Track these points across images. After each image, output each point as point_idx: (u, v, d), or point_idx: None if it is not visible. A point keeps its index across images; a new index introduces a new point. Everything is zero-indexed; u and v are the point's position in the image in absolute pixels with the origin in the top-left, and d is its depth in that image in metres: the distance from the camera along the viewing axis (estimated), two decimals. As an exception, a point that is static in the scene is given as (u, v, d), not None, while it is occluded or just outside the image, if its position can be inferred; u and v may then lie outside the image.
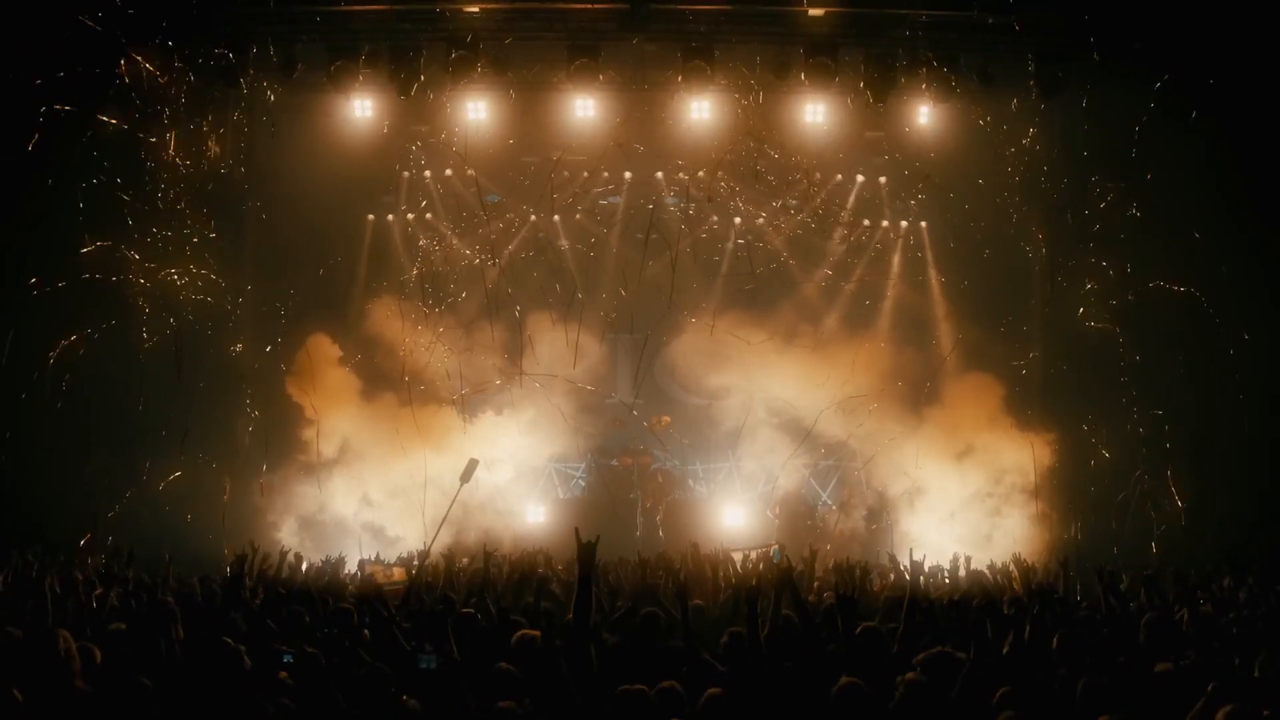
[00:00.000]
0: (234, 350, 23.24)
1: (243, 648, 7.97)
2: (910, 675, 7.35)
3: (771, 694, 7.54)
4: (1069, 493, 22.34)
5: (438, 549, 15.24)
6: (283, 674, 6.79)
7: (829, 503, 26.08)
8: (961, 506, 22.64)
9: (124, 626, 9.38)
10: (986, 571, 15.35)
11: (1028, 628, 8.69)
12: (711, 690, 7.28)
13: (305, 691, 7.00)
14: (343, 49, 21.31)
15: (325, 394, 23.05)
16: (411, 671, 7.36)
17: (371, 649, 7.98)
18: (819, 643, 8.67)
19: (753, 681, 7.67)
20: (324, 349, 23.47)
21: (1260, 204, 19.60)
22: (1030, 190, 24.12)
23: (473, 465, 10.20)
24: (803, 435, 24.27)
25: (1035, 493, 22.04)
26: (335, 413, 23.19)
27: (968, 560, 15.92)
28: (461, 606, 10.44)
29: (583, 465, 25.76)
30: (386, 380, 23.68)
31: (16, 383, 19.78)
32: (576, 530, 8.25)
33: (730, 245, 26.98)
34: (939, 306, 25.84)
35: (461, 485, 10.33)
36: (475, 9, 20.73)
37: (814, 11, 20.71)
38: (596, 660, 7.71)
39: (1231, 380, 20.58)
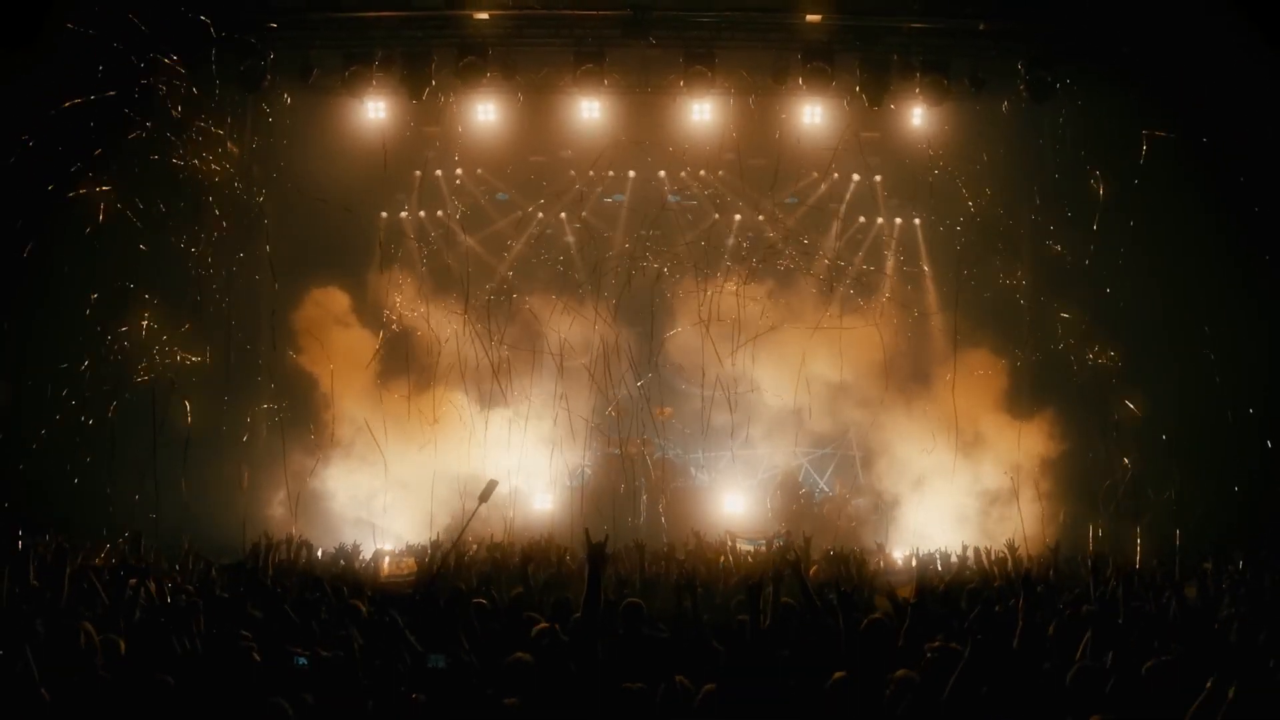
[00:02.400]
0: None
1: (255, 645, 7.91)
2: (901, 672, 7.26)
3: (769, 687, 7.45)
4: (1059, 481, 22.24)
5: (446, 537, 15.20)
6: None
7: (826, 490, 26.08)
8: (954, 494, 22.58)
9: (146, 618, 9.29)
10: (978, 559, 15.31)
11: (1020, 622, 8.61)
12: (708, 686, 7.20)
13: (319, 689, 6.94)
14: (357, 55, 21.33)
15: (336, 370, 23.04)
16: (421, 668, 7.29)
17: (381, 646, 7.90)
18: (820, 633, 8.59)
19: (750, 675, 7.58)
20: (336, 303, 23.49)
21: (1241, 204, 19.56)
22: (1020, 189, 24.27)
23: (492, 486, 10.03)
24: (801, 424, 24.33)
25: (1026, 481, 21.98)
26: (348, 399, 23.14)
27: (964, 548, 15.91)
28: (471, 597, 10.36)
29: (588, 454, 25.67)
30: (398, 370, 23.61)
31: (46, 387, 19.74)
32: (586, 531, 8.17)
33: (731, 240, 26.93)
34: (932, 300, 25.84)
35: (480, 504, 10.19)
36: (485, 15, 20.74)
37: (811, 18, 20.71)
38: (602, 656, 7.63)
39: (1215, 375, 20.51)
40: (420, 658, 7.43)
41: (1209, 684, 6.47)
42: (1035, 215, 24.39)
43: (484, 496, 10.10)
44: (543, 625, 8.59)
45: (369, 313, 24.27)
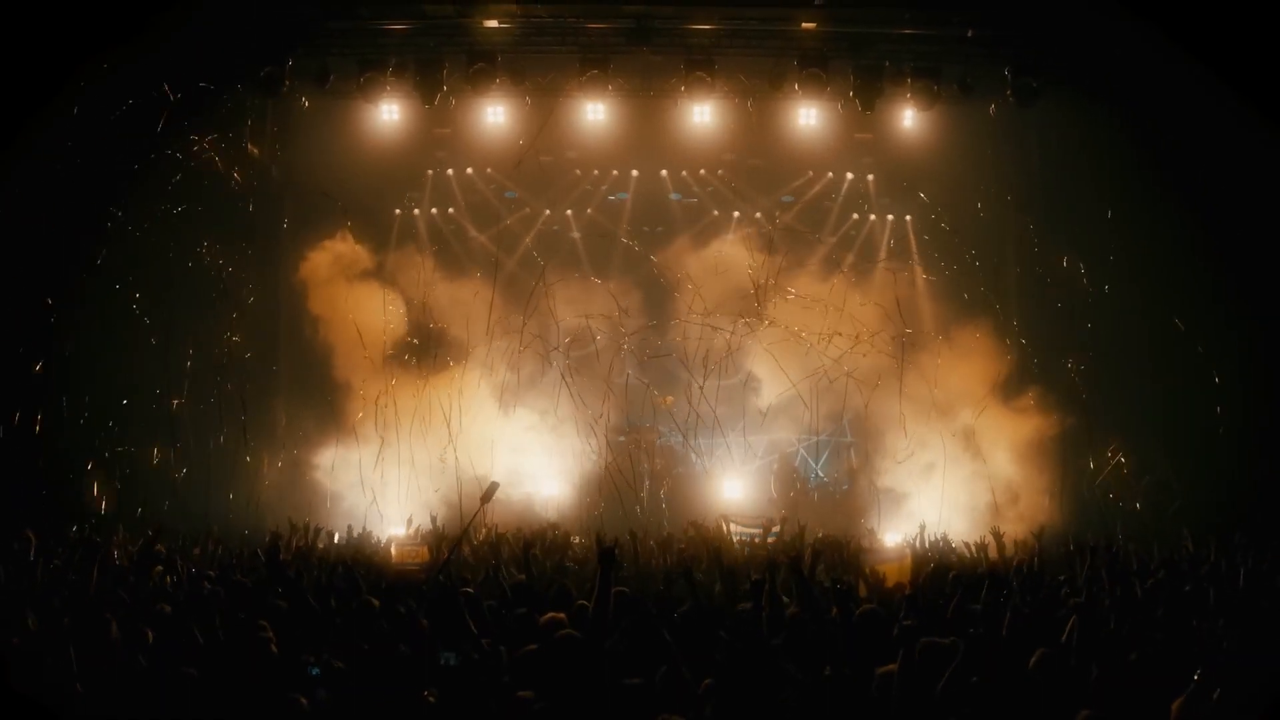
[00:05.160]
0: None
1: (273, 637, 7.88)
2: (890, 666, 7.20)
3: (769, 678, 7.39)
4: (1046, 468, 22.19)
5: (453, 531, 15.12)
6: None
7: (821, 475, 26.02)
8: (944, 481, 22.45)
9: (169, 609, 9.22)
10: (964, 545, 15.25)
11: (1008, 614, 8.55)
12: (708, 680, 7.16)
13: (333, 687, 6.90)
14: (372, 61, 21.46)
15: (351, 346, 23.01)
16: (432, 665, 7.23)
17: (394, 643, 7.84)
18: (817, 625, 8.53)
19: (752, 665, 7.52)
20: (350, 255, 23.52)
21: (1212, 206, 19.63)
22: (1007, 189, 24.39)
23: (493, 488, 10.01)
24: (800, 412, 24.24)
25: (1015, 466, 21.95)
26: (359, 378, 23.04)
27: (942, 536, 15.83)
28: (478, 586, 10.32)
29: (593, 441, 25.57)
30: (408, 354, 23.62)
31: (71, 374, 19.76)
32: (598, 536, 8.13)
33: (730, 235, 26.87)
34: (922, 293, 25.77)
35: (482, 505, 10.17)
36: (494, 24, 20.81)
37: (806, 26, 20.78)
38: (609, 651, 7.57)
39: (1197, 367, 20.58)
40: (432, 654, 7.37)
41: (1195, 678, 6.43)
42: (1021, 225, 24.50)
43: (485, 498, 10.07)
44: (550, 616, 8.52)
45: (385, 279, 24.15)
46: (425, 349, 23.73)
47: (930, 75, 21.50)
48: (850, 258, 26.42)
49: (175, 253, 21.45)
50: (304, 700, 6.48)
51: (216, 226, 22.60)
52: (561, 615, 8.40)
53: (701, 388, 23.89)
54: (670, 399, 25.88)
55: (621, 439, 24.67)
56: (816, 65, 21.08)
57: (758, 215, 26.87)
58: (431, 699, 6.45)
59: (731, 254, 24.69)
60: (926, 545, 15.87)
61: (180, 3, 17.32)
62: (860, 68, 21.49)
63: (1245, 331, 19.89)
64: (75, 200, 18.83)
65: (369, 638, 7.95)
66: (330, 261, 23.23)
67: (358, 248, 23.57)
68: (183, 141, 21.12)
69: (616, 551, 7.80)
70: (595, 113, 22.67)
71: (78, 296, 19.59)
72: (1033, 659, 7.44)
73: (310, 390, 23.87)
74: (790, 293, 23.66)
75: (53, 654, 7.00)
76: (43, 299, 18.87)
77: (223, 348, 22.57)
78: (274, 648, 7.74)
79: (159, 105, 19.67)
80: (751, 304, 23.62)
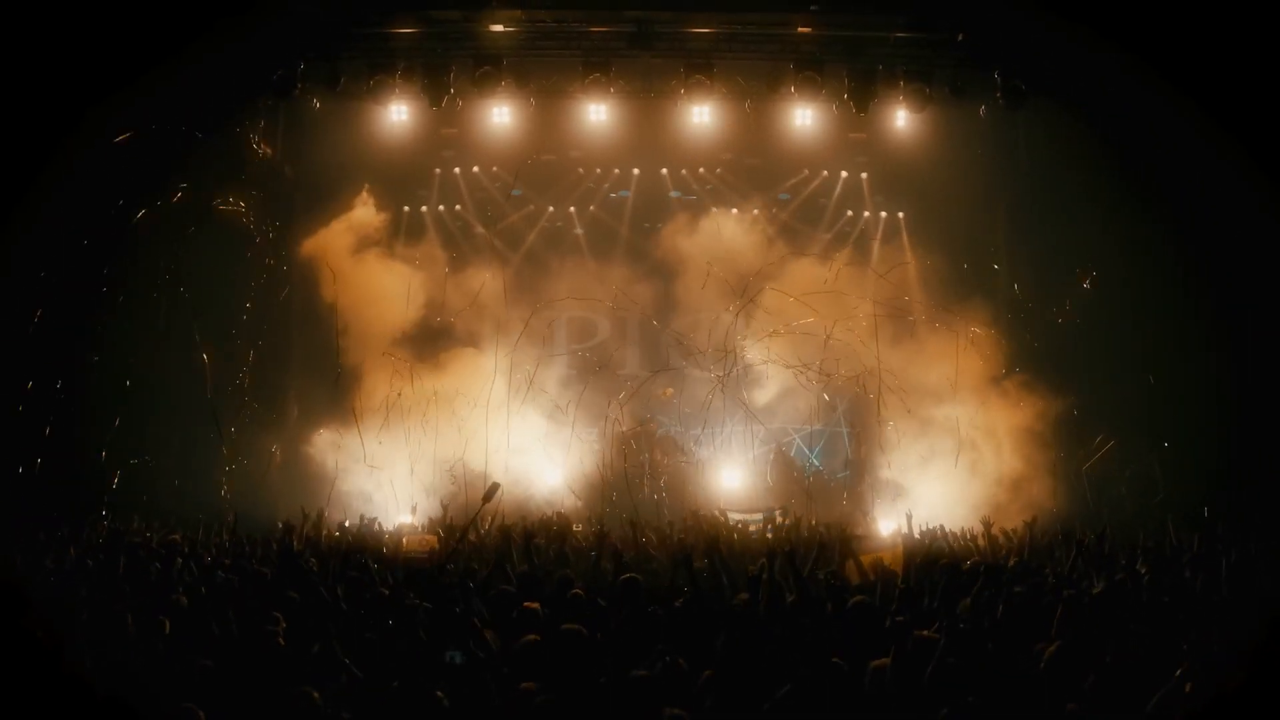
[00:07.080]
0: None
1: (283, 630, 7.87)
2: (883, 661, 7.19)
3: (767, 671, 7.37)
4: (1038, 459, 22.15)
5: (460, 522, 15.10)
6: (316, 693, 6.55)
7: (817, 465, 25.99)
8: (935, 471, 22.44)
9: (185, 600, 9.22)
10: (954, 535, 15.22)
11: (1000, 607, 8.54)
12: (708, 672, 7.15)
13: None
14: (381, 65, 21.50)
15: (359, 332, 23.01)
16: (439, 664, 7.21)
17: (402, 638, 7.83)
18: (812, 617, 8.53)
19: (749, 657, 7.51)
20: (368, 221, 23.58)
21: (1207, 203, 19.63)
22: (996, 187, 24.53)
23: (494, 489, 10.02)
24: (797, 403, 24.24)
25: (1005, 458, 21.92)
26: (369, 365, 23.02)
27: (917, 526, 15.80)
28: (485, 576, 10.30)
29: (595, 431, 25.53)
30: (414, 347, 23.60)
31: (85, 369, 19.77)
32: (601, 546, 8.13)
33: (730, 231, 26.84)
34: (916, 289, 25.72)
35: (483, 505, 10.18)
36: (500, 28, 20.91)
37: (802, 29, 20.88)
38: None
39: (1183, 361, 20.60)
40: (438, 652, 7.35)
41: (1177, 674, 6.40)
42: (1010, 222, 24.55)
43: (486, 498, 10.07)
44: (526, 605, 8.48)
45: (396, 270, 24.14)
46: (434, 341, 23.72)
47: (922, 78, 21.50)
48: (845, 254, 26.42)
49: (187, 251, 21.45)
50: (315, 694, 6.47)
51: (227, 226, 22.66)
52: (536, 605, 8.37)
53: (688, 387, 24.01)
54: (670, 390, 25.84)
55: (623, 431, 24.65)
56: (812, 68, 21.15)
57: (755, 212, 26.87)
58: (442, 697, 6.41)
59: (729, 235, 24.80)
60: (916, 534, 15.78)
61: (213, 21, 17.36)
62: (854, 71, 21.54)
63: (1231, 326, 19.89)
64: (96, 205, 18.91)
65: (379, 632, 7.95)
66: (345, 230, 23.27)
67: (376, 216, 23.66)
68: (197, 146, 21.16)
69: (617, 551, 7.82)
70: (597, 114, 22.69)
71: (102, 293, 19.65)
72: (1048, 652, 7.42)
73: (320, 377, 23.82)
74: (761, 333, 23.57)
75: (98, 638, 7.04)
76: (67, 293, 18.91)
77: (237, 339, 22.68)
78: (281, 641, 7.74)
79: (180, 119, 19.79)
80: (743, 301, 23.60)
